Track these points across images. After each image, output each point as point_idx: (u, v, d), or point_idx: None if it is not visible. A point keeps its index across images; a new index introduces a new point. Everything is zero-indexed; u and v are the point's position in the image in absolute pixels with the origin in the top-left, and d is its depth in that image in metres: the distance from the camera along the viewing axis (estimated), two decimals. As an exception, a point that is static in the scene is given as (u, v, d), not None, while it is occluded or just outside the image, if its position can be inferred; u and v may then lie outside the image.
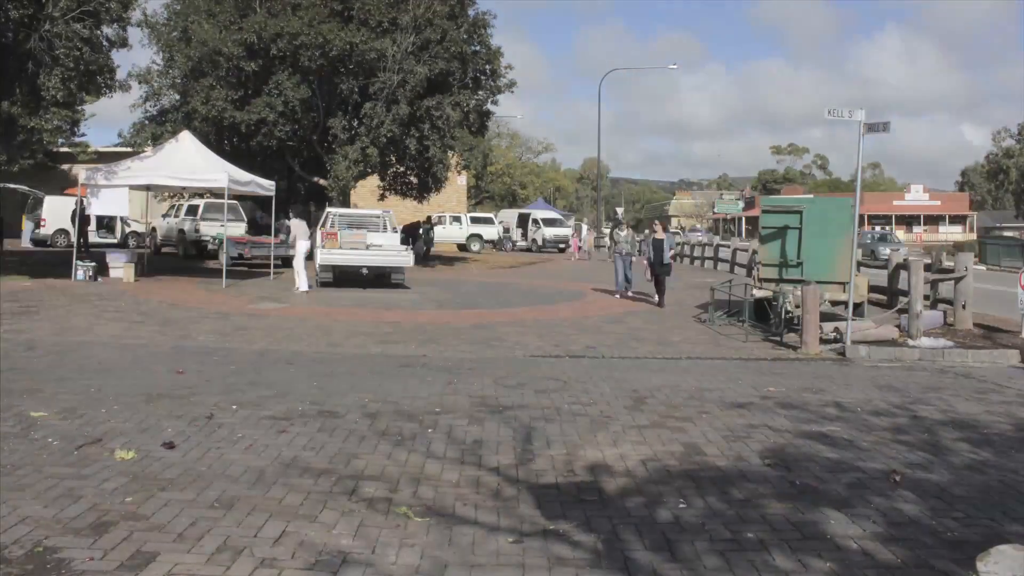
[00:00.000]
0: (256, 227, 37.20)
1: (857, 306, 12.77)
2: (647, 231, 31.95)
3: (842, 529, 4.67)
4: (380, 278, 19.61)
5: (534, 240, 44.53)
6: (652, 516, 4.80)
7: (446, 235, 40.79)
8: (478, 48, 27.15)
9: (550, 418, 7.12)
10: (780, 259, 13.59)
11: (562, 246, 42.61)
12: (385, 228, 21.32)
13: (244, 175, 19.98)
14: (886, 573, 4.10)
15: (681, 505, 5.00)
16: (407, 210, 37.78)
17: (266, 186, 20.57)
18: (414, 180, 29.10)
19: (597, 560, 4.17)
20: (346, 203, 28.69)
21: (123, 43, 20.91)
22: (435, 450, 6.04)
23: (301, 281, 17.64)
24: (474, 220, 43.76)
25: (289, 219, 21.40)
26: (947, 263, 16.47)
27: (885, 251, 27.69)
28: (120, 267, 19.13)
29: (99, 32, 19.98)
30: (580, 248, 40.40)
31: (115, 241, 29.71)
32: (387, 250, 19.92)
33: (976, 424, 7.34)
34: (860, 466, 5.92)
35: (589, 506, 4.96)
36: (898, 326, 12.74)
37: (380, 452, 5.94)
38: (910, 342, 11.91)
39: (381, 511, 4.77)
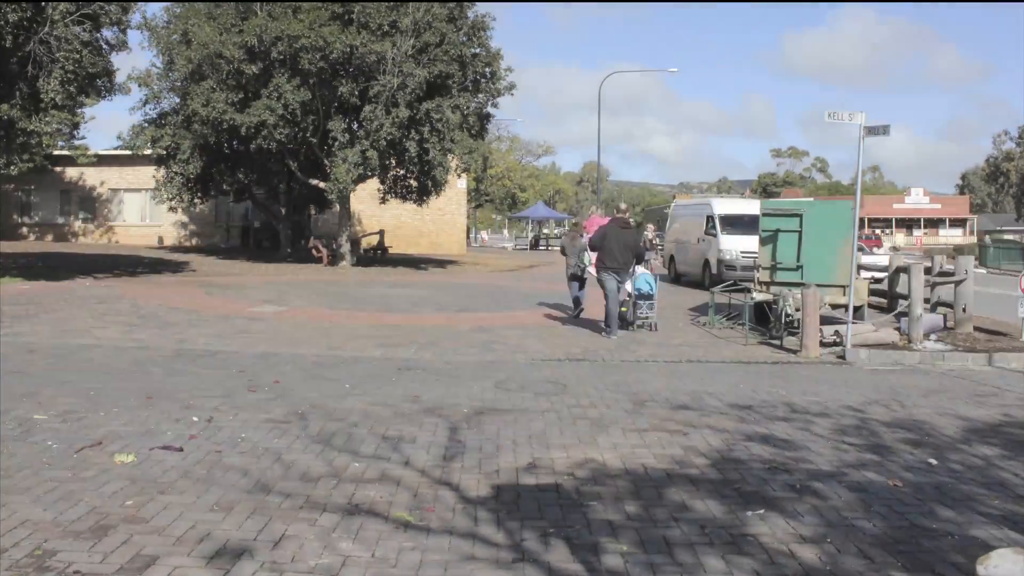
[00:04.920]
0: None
1: (857, 309, 12.76)
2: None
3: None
4: None
5: None
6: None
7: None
8: (478, 51, 27.15)
9: (551, 422, 7.11)
10: (780, 262, 13.59)
11: None
12: None
13: None
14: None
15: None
16: (407, 212, 37.83)
17: None
18: (414, 183, 29.11)
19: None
20: (345, 206, 28.73)
21: (122, 46, 20.93)
22: (435, 454, 6.03)
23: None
24: None
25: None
26: (947, 266, 16.47)
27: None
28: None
29: (98, 35, 20.01)
30: None
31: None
32: None
33: (976, 427, 7.34)
34: (864, 471, 5.91)
35: (587, 511, 4.96)
36: (898, 329, 12.74)
37: (380, 455, 5.93)
38: (910, 345, 11.91)
39: (381, 515, 4.77)
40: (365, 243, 33.61)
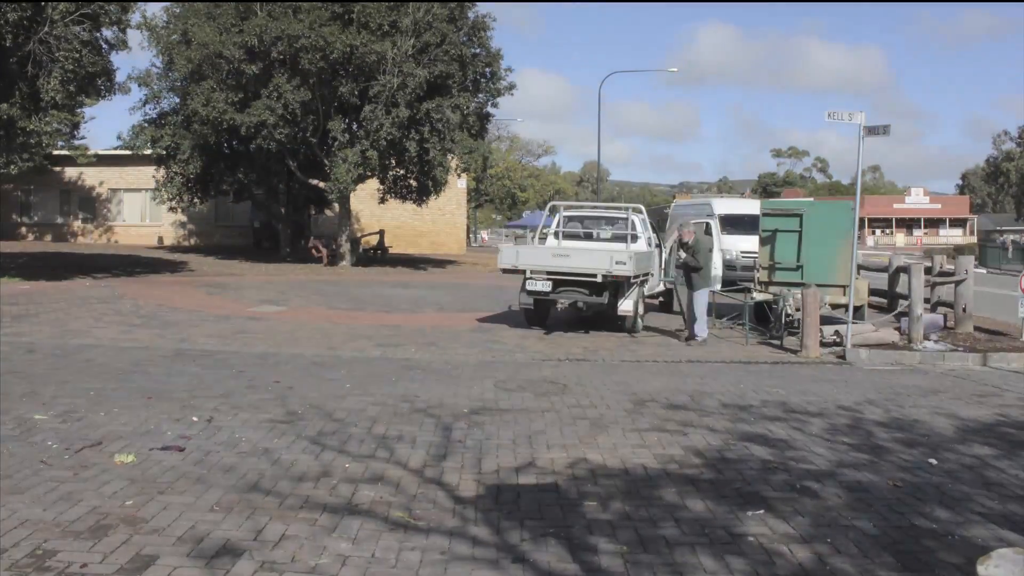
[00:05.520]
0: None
1: (857, 309, 12.76)
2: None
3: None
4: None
5: None
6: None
7: None
8: (478, 51, 27.16)
9: (550, 422, 7.11)
10: (780, 262, 13.59)
11: None
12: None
13: None
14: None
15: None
16: (407, 212, 37.82)
17: None
18: (414, 183, 29.11)
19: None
20: (345, 206, 28.72)
21: (122, 46, 20.94)
22: (435, 454, 6.03)
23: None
24: None
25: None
26: (947, 266, 16.47)
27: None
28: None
29: (98, 35, 20.01)
30: None
31: None
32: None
33: (975, 427, 7.34)
34: (863, 470, 5.92)
35: (586, 510, 4.96)
36: (898, 329, 12.74)
37: (379, 456, 5.93)
38: (911, 345, 11.91)
39: (380, 515, 4.77)
40: (365, 243, 33.62)
